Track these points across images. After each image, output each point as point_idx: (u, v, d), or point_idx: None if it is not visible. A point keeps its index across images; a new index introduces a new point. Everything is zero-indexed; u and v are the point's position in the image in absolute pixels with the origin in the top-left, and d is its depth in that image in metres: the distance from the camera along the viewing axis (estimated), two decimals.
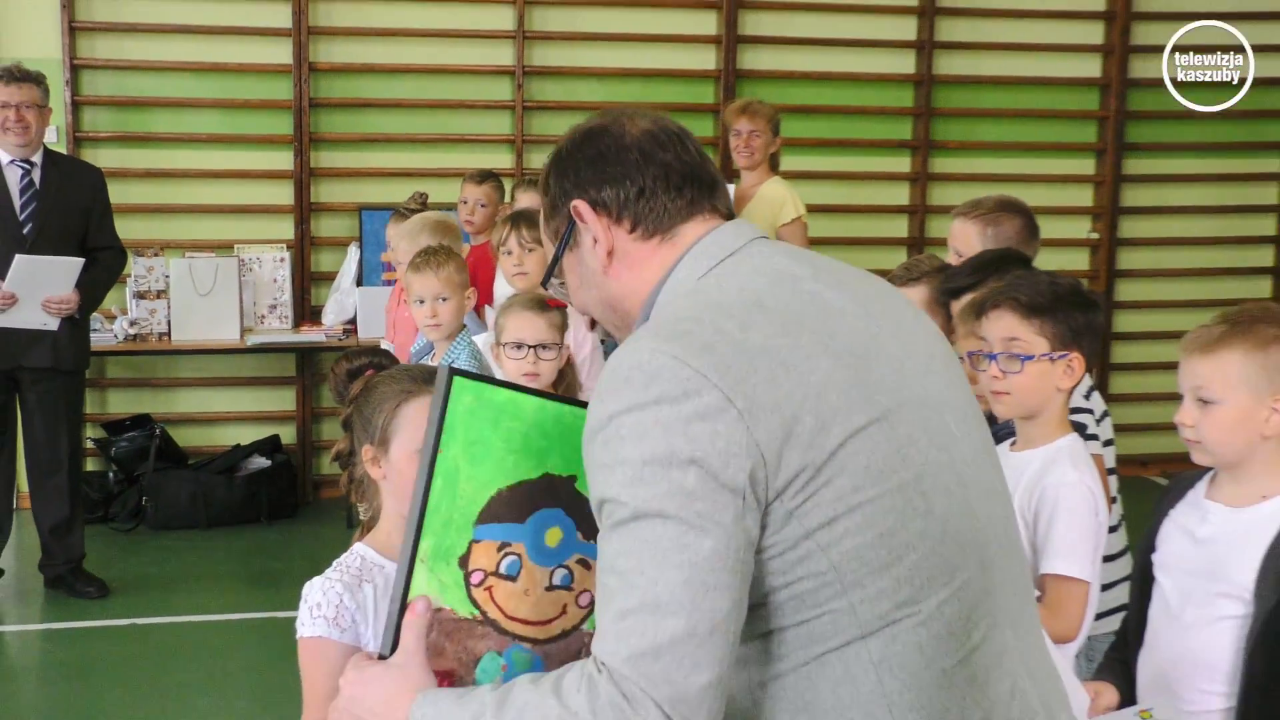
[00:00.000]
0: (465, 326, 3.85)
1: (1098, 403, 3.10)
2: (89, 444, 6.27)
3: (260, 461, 6.38)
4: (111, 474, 6.29)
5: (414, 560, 1.57)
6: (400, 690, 1.51)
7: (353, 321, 6.31)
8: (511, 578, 1.61)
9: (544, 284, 1.73)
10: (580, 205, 1.58)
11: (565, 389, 3.42)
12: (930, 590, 1.39)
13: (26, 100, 5.01)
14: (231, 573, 5.66)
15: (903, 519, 1.38)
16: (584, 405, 1.61)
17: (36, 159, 5.10)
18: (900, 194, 7.03)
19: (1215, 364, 2.21)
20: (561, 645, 1.64)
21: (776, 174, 5.54)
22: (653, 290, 1.57)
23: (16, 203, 5.05)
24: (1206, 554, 2.24)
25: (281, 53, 6.42)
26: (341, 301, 6.37)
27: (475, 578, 1.59)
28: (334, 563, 2.05)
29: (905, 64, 6.92)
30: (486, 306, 4.56)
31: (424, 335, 3.90)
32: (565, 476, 1.62)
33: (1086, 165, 7.20)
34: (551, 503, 1.62)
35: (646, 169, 1.57)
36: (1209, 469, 2.32)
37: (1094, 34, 7.06)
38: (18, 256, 4.87)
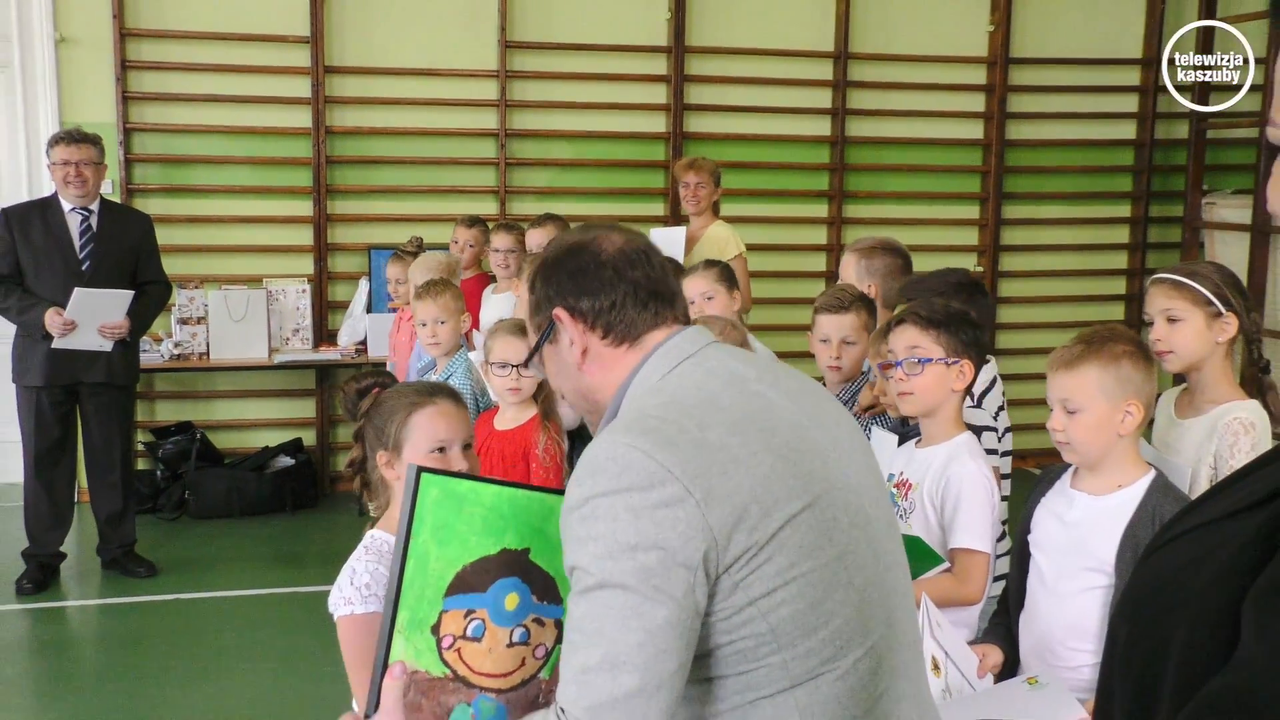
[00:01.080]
0: (462, 346, 3.83)
1: (1004, 420, 3.14)
2: (140, 446, 6.20)
3: (285, 460, 6.32)
4: (159, 472, 6.22)
5: (393, 631, 1.57)
6: None
7: (363, 342, 6.29)
8: (477, 639, 1.61)
9: (525, 365, 1.70)
10: (560, 312, 1.57)
11: (544, 400, 3.41)
12: (849, 649, 1.40)
13: (85, 159, 4.96)
14: (261, 555, 5.60)
15: (829, 589, 1.38)
16: (535, 489, 1.66)
17: (94, 207, 5.05)
18: (820, 235, 7.06)
19: (1077, 378, 2.22)
20: (521, 693, 1.64)
21: (719, 218, 5.56)
22: (620, 386, 1.56)
23: (77, 244, 5.00)
24: (1074, 535, 2.25)
25: (303, 118, 6.38)
26: (354, 326, 6.35)
27: (446, 642, 1.59)
28: (360, 548, 2.04)
29: (823, 127, 6.96)
30: (474, 331, 4.54)
31: (426, 353, 3.89)
32: (520, 550, 1.62)
33: (972, 211, 7.26)
34: (509, 573, 1.62)
35: (618, 285, 1.56)
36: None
37: (977, 103, 7.13)
38: (77, 289, 4.82)
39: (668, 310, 1.59)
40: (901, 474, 2.59)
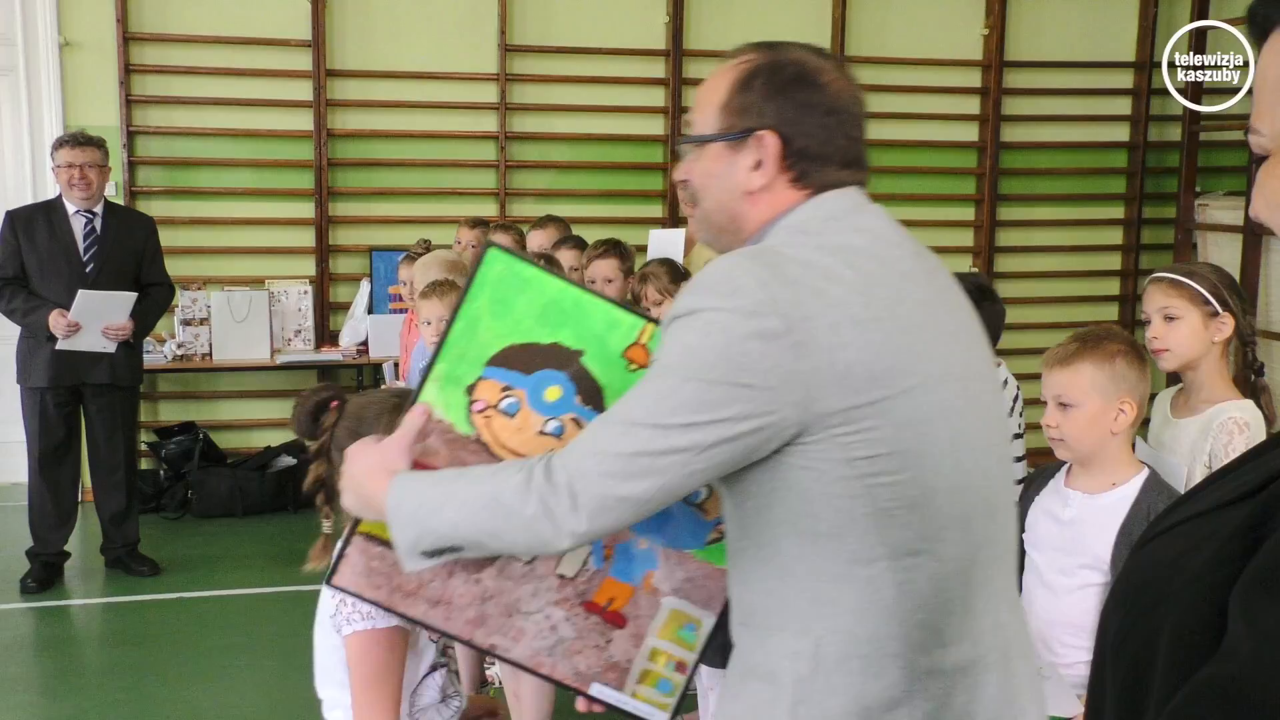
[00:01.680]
0: None
1: (1016, 424, 3.14)
2: (143, 446, 6.20)
3: (287, 460, 6.32)
4: (162, 471, 6.22)
5: (427, 378, 1.56)
6: (380, 464, 1.50)
7: (365, 343, 6.28)
8: (510, 415, 1.59)
9: (680, 142, 1.59)
10: (770, 137, 1.45)
11: None
12: (949, 531, 1.36)
13: (89, 161, 4.96)
14: (263, 553, 5.60)
15: (936, 470, 1.35)
16: (609, 300, 1.62)
17: (98, 210, 5.05)
18: None
19: (1072, 375, 2.23)
20: None
21: None
22: (771, 221, 1.47)
23: (80, 245, 4.99)
24: (1070, 533, 2.26)
25: (305, 121, 6.39)
26: (355, 327, 6.35)
27: (477, 405, 1.58)
28: None
29: None
30: None
31: (430, 350, 3.89)
32: (574, 349, 1.59)
33: (968, 212, 7.27)
34: (556, 366, 1.59)
35: (834, 141, 1.46)
36: (1065, 462, 2.35)
37: (972, 105, 7.14)
38: (80, 291, 4.82)
39: (859, 174, 1.50)
40: None
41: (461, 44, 6.52)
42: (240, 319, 6.16)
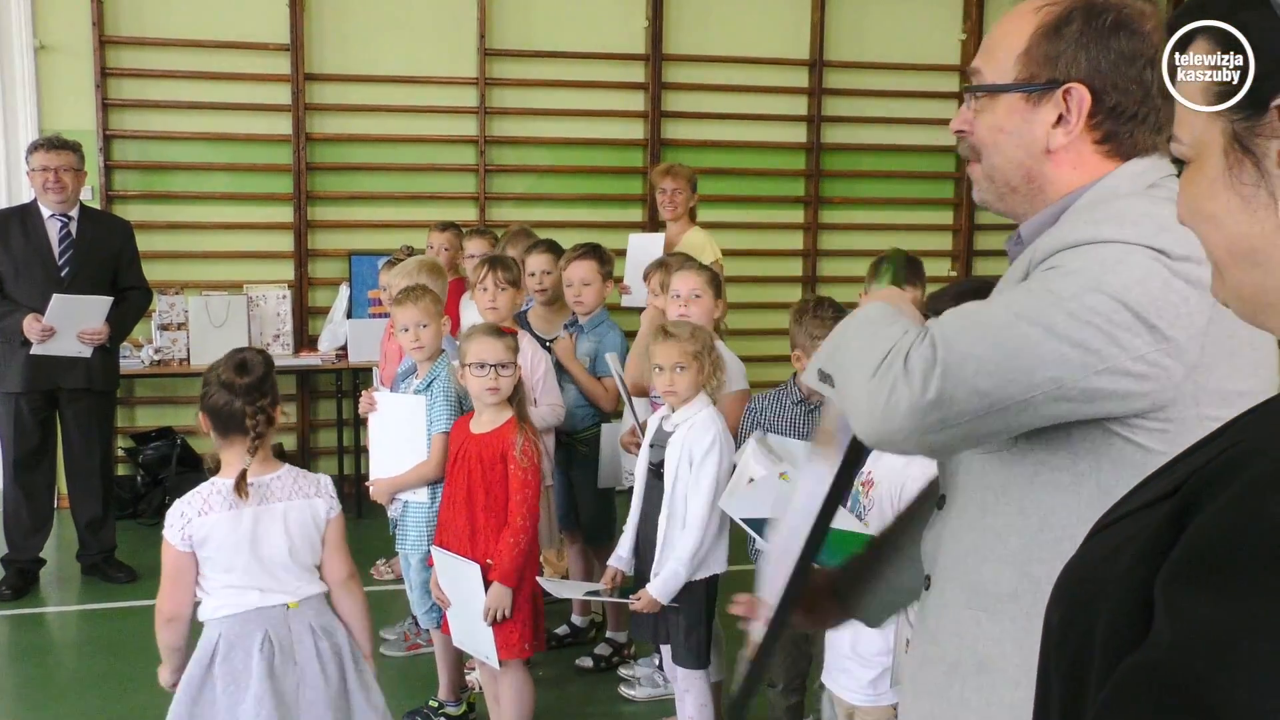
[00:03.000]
0: (444, 351, 3.81)
1: None
2: (120, 452, 6.15)
3: None
4: (139, 477, 6.16)
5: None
6: (892, 299, 1.40)
7: (344, 348, 6.24)
8: None
9: (969, 91, 1.41)
10: (1082, 90, 1.29)
11: (518, 404, 3.40)
12: None
13: (64, 165, 4.92)
14: None
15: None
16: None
17: (73, 214, 5.00)
18: (796, 240, 7.08)
19: None
20: None
21: (696, 224, 5.55)
22: (1077, 191, 1.31)
23: (56, 250, 4.95)
24: None
25: (283, 125, 6.35)
26: (334, 331, 6.31)
27: None
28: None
29: (799, 134, 6.97)
30: (455, 336, 4.52)
31: (409, 356, 3.87)
32: None
33: (946, 216, 7.29)
34: None
35: (1148, 102, 1.29)
36: None
37: (950, 110, 7.15)
38: (55, 295, 4.78)
39: (1162, 140, 1.31)
40: (869, 473, 2.59)
41: (440, 48, 6.50)
42: (218, 323, 6.12)
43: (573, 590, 4.04)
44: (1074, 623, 0.82)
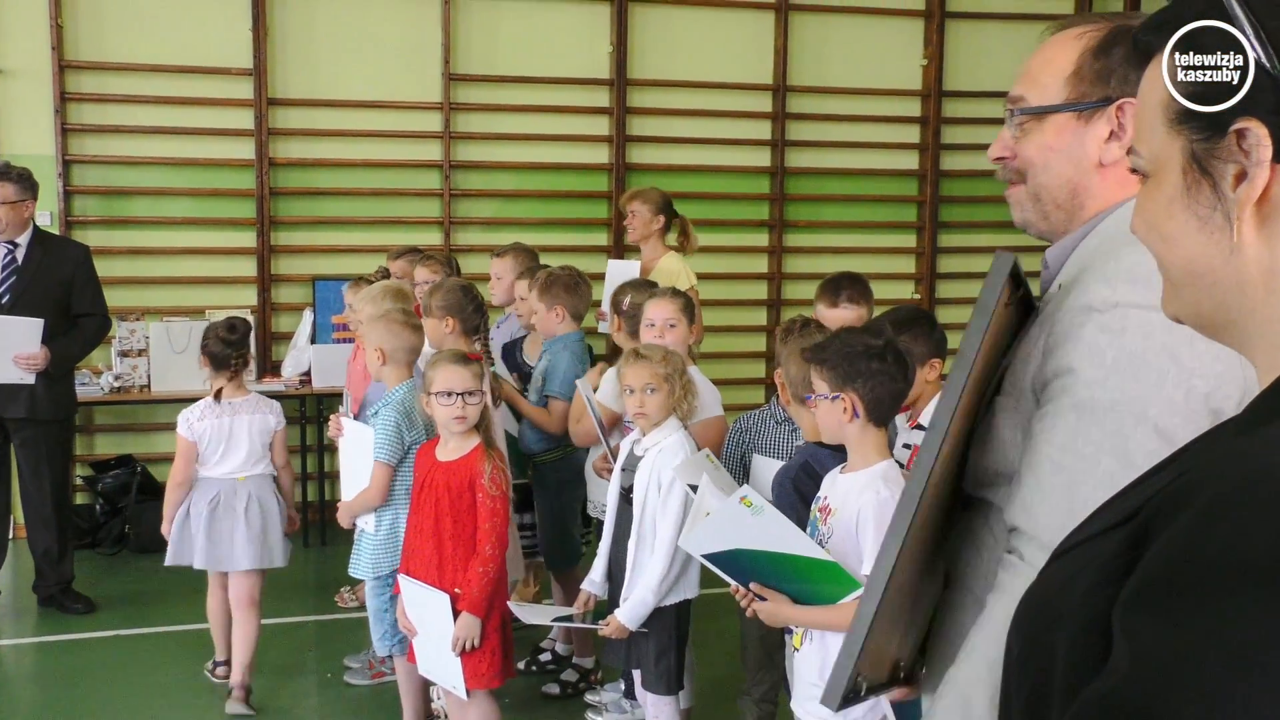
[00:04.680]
0: (411, 376, 3.80)
1: None
2: (79, 481, 6.06)
3: None
4: (99, 506, 6.08)
5: None
6: None
7: (308, 373, 6.19)
8: None
9: (1016, 115, 1.42)
10: (1135, 106, 1.29)
11: (485, 430, 3.38)
12: None
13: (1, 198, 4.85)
14: (202, 588, 5.47)
15: None
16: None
17: (21, 240, 4.93)
18: (761, 264, 7.11)
19: None
20: None
21: (671, 250, 5.57)
22: (1113, 207, 1.34)
23: None
24: None
25: (246, 150, 6.32)
26: (298, 357, 6.26)
27: None
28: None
29: (763, 158, 7.01)
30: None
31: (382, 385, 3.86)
32: None
33: (909, 240, 7.35)
34: None
35: None
36: None
37: (912, 134, 7.23)
38: None
39: None
40: (825, 499, 2.59)
41: (405, 73, 6.50)
42: (179, 350, 6.05)
43: (542, 616, 4.02)
44: (1034, 650, 0.83)
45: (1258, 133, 0.80)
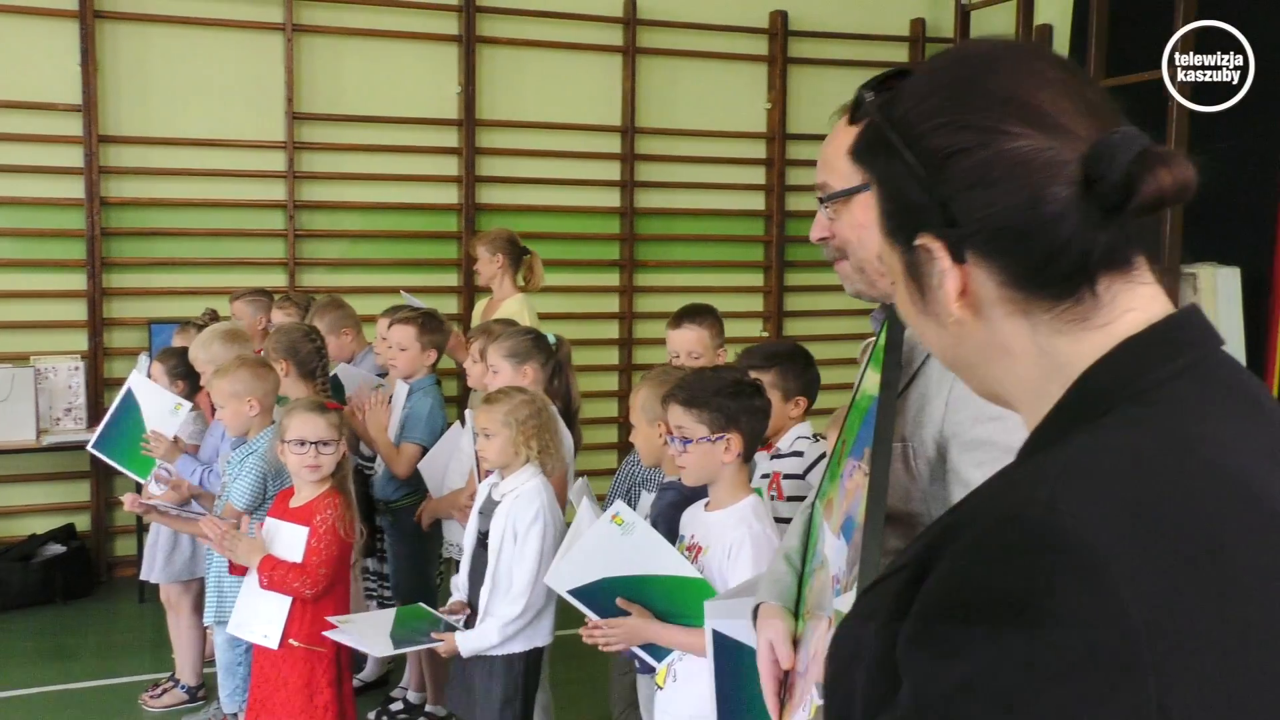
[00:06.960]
0: (273, 422, 3.69)
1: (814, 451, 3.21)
2: None
3: (56, 548, 5.91)
4: None
5: None
6: None
7: None
8: None
9: (823, 202, 1.45)
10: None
11: (339, 480, 3.31)
12: None
13: None
14: (29, 651, 5.19)
15: None
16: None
17: None
18: (612, 303, 7.18)
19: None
20: None
21: (519, 290, 5.58)
22: None
23: None
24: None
25: (75, 189, 6.08)
26: None
27: None
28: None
29: (613, 199, 7.10)
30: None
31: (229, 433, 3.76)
32: None
33: (757, 279, 7.53)
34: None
35: None
36: None
37: (758, 176, 7.43)
38: None
39: None
40: (692, 537, 2.62)
41: (247, 110, 6.36)
42: (2, 397, 5.76)
43: (375, 631, 3.77)
44: (839, 681, 0.89)
45: (931, 247, 0.89)
